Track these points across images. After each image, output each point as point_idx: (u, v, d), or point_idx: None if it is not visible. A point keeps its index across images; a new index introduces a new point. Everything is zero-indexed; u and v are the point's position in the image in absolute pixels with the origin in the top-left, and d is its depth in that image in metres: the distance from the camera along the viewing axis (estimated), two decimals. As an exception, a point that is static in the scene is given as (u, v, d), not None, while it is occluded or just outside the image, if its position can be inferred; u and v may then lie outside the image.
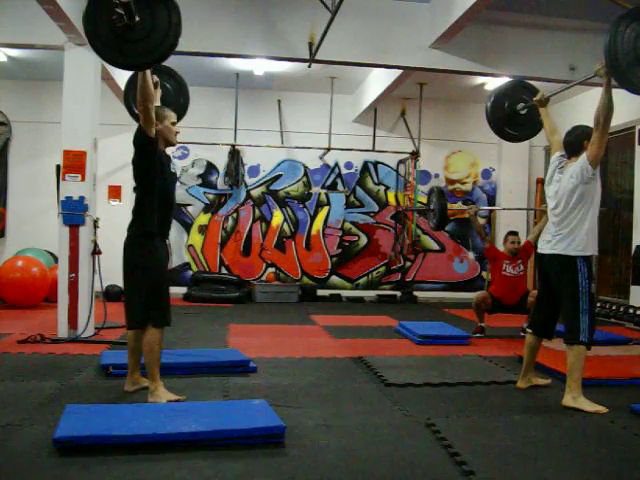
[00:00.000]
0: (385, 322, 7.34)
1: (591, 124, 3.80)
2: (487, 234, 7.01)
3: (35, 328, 5.84)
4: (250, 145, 9.20)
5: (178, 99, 4.46)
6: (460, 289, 10.08)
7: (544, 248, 4.01)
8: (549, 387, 4.21)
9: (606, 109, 3.68)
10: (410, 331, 6.17)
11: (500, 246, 7.08)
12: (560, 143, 4.17)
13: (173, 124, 3.81)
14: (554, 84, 7.07)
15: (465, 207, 10.12)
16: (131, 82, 4.58)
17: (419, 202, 9.71)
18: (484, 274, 9.91)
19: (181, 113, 4.36)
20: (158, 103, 4.02)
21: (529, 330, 4.20)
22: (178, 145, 8.62)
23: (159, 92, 4.10)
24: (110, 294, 8.20)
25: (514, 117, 5.05)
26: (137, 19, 3.16)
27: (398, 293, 9.87)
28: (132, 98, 4.41)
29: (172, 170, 4.01)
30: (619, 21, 3.58)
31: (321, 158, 9.67)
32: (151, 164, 3.68)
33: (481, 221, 10.14)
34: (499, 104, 5.07)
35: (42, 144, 8.85)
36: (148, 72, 3.42)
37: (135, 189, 3.79)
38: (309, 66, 6.33)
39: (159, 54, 3.31)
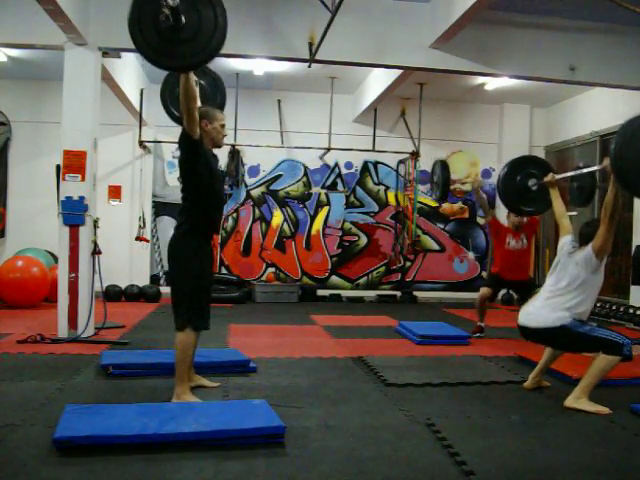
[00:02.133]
0: (385, 322, 7.34)
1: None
2: (490, 207, 7.00)
3: (35, 328, 5.84)
4: (250, 145, 9.20)
5: (215, 96, 4.44)
6: (460, 289, 10.09)
7: (526, 321, 3.95)
8: (549, 388, 4.22)
9: (612, 204, 3.67)
10: (410, 331, 6.17)
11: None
12: (569, 227, 4.19)
13: (222, 126, 3.78)
14: (554, 83, 7.11)
15: (465, 206, 10.16)
16: (165, 87, 4.56)
17: (419, 202, 9.71)
18: (484, 274, 9.91)
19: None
20: (198, 102, 3.97)
21: None
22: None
23: (197, 90, 4.07)
24: (110, 294, 8.21)
25: (526, 193, 5.06)
26: (184, 21, 3.14)
27: (398, 293, 9.87)
28: (169, 101, 4.38)
29: (220, 168, 3.98)
30: (629, 124, 3.41)
31: (321, 158, 9.67)
32: (197, 164, 3.63)
33: (481, 221, 10.18)
34: (511, 181, 5.08)
35: (42, 144, 8.85)
36: (191, 74, 3.38)
37: (182, 190, 3.73)
38: (309, 66, 6.32)
39: (207, 54, 3.27)
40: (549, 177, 4.55)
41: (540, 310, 3.89)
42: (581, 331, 3.76)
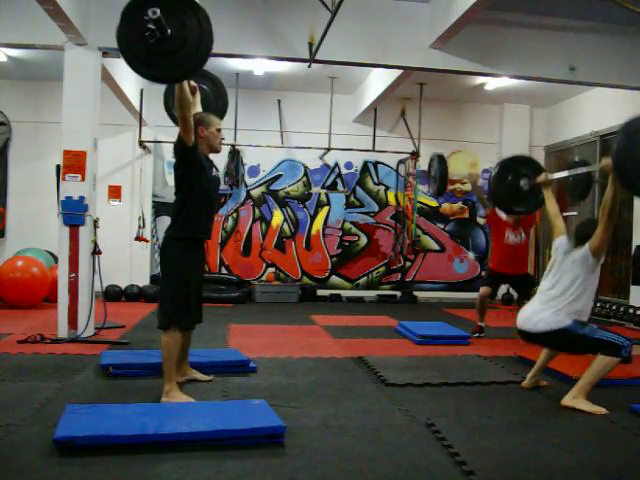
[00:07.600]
0: (385, 322, 7.34)
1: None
2: (489, 200, 7.00)
3: (35, 328, 5.84)
4: (250, 145, 9.20)
5: (217, 102, 4.47)
6: (460, 289, 10.09)
7: (525, 325, 3.93)
8: (549, 388, 4.22)
9: (610, 204, 3.69)
10: (410, 331, 6.17)
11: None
12: (563, 227, 4.17)
13: (218, 131, 3.81)
14: (554, 83, 7.11)
15: (465, 206, 10.16)
16: (170, 87, 4.58)
17: (419, 202, 9.71)
18: (484, 274, 9.91)
19: (221, 115, 4.38)
20: (199, 108, 4.01)
21: None
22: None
23: (198, 96, 4.07)
24: (110, 294, 8.21)
25: (517, 193, 5.06)
26: (169, 32, 3.15)
27: (398, 293, 9.87)
28: (172, 104, 4.41)
29: (214, 174, 3.99)
30: (630, 124, 3.40)
31: (321, 158, 9.67)
32: (191, 170, 3.66)
33: (481, 221, 10.18)
34: (502, 181, 5.08)
35: (42, 144, 8.84)
36: (186, 82, 3.40)
37: (175, 193, 3.77)
38: (309, 66, 6.32)
39: (194, 64, 3.29)
40: (542, 177, 4.53)
41: (539, 314, 3.87)
42: (582, 333, 3.76)
